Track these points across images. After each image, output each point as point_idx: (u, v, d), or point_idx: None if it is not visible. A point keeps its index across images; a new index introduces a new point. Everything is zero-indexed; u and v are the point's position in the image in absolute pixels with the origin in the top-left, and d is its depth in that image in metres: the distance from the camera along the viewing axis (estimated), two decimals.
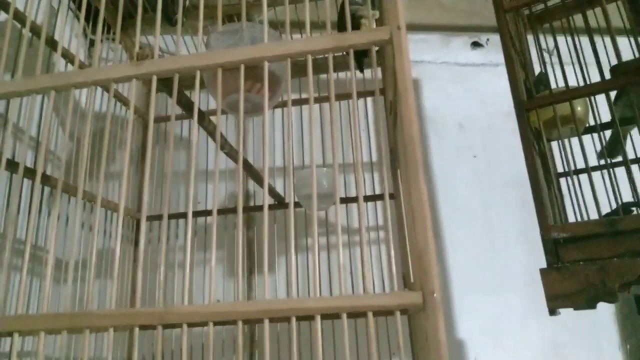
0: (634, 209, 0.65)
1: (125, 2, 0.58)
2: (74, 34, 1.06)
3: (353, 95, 0.45)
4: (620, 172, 0.72)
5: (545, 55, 1.00)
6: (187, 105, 0.52)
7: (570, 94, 0.69)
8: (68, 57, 0.86)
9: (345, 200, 1.03)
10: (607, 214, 0.70)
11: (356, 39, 0.43)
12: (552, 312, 0.64)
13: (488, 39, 1.56)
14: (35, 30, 0.71)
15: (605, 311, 1.31)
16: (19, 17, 0.70)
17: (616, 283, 0.60)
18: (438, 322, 0.35)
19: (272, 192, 0.94)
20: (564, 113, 0.75)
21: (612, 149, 0.86)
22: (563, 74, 0.83)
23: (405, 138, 0.39)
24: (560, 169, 0.93)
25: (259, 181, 0.88)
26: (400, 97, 0.40)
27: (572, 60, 0.86)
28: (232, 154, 0.68)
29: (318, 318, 0.37)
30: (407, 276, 0.87)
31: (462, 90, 1.47)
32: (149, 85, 0.49)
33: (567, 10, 0.91)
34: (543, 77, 0.85)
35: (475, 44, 1.55)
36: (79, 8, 1.15)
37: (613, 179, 0.72)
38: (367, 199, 1.05)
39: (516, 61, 0.79)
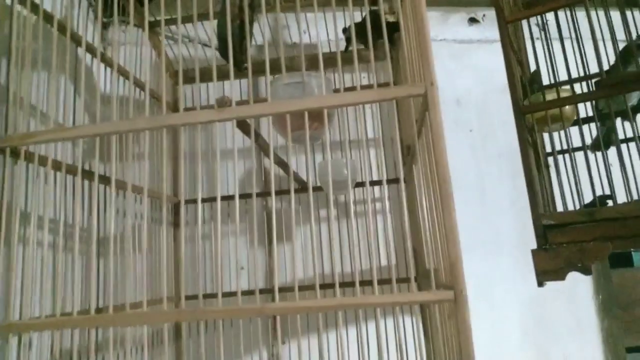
0: (608, 201, 0.79)
1: None
2: (89, 20, 1.14)
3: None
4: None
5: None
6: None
7: (560, 102, 0.81)
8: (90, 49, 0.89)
9: (361, 185, 1.16)
10: (587, 205, 0.84)
11: (397, 92, 0.54)
12: (540, 284, 0.80)
13: (484, 15, 1.64)
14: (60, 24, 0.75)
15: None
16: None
17: (591, 262, 0.75)
18: (465, 312, 0.49)
19: (296, 177, 1.06)
20: (555, 112, 0.87)
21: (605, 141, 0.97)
22: (554, 75, 0.95)
23: (439, 178, 0.51)
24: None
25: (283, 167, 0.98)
26: (435, 142, 0.52)
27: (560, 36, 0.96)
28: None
29: (377, 311, 0.51)
30: (418, 250, 1.02)
31: (460, 67, 1.57)
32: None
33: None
34: (536, 76, 0.97)
35: (472, 20, 1.64)
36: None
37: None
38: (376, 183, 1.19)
39: (515, 65, 0.90)
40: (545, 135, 1.12)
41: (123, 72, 0.97)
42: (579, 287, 1.47)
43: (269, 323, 1.14)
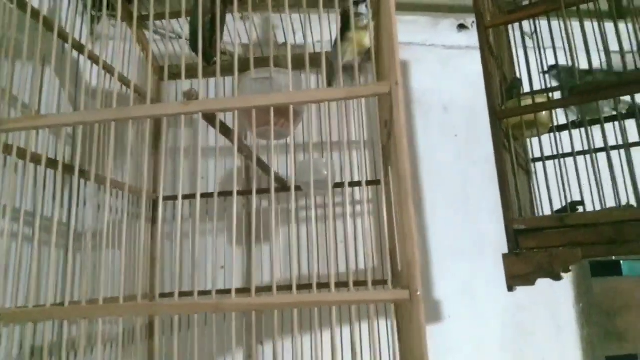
0: (579, 207, 0.80)
1: None
2: (77, 13, 1.14)
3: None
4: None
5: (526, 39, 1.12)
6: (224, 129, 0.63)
7: (535, 108, 0.82)
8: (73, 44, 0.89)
9: (340, 185, 1.16)
10: (558, 210, 0.85)
11: (363, 91, 0.55)
12: (510, 288, 0.80)
13: (473, 22, 1.65)
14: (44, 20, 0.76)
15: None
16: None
17: (560, 267, 0.75)
18: (420, 311, 0.49)
19: (276, 177, 1.06)
20: (531, 118, 0.88)
21: None
22: (530, 83, 0.96)
23: (399, 176, 0.51)
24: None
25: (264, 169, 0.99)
26: (396, 142, 0.52)
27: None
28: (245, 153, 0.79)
29: (334, 309, 0.51)
30: (393, 252, 1.02)
31: (448, 72, 1.58)
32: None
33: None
34: (516, 83, 0.97)
35: (462, 27, 1.65)
36: None
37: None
38: (358, 184, 1.19)
39: (494, 71, 0.90)
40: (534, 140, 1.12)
41: (104, 65, 0.97)
42: (559, 294, 1.48)
43: (243, 324, 1.14)
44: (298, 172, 1.07)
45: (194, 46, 0.60)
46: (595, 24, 0.90)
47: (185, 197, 1.10)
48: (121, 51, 1.15)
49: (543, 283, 1.26)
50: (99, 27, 1.30)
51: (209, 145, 1.28)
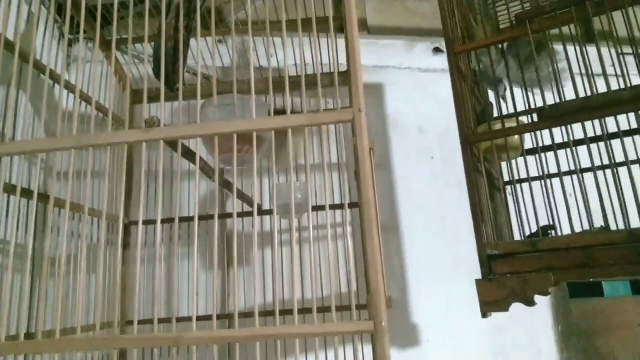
0: (551, 232, 0.80)
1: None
2: (50, 35, 1.12)
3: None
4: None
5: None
6: (187, 154, 0.62)
7: (505, 132, 0.82)
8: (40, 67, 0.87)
9: (316, 209, 1.15)
10: (530, 235, 0.85)
11: (326, 118, 0.54)
12: (484, 315, 0.79)
13: None
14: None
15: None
16: None
17: (534, 293, 0.75)
18: (385, 343, 0.48)
19: (249, 201, 1.05)
20: (502, 143, 0.88)
21: None
22: (499, 106, 0.97)
23: (362, 200, 0.51)
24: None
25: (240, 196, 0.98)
26: (360, 166, 0.52)
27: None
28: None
29: (297, 341, 0.49)
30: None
31: (423, 95, 1.59)
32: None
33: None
34: (488, 108, 0.98)
35: (437, 50, 1.67)
36: (59, 13, 1.20)
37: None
38: (333, 207, 1.18)
39: (465, 95, 0.91)
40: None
41: (72, 89, 0.95)
42: (538, 316, 1.47)
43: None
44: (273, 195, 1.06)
45: (156, 72, 0.60)
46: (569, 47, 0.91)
47: (147, 222, 1.07)
48: (89, 72, 1.13)
49: (521, 306, 1.24)
50: (63, 47, 1.28)
51: (183, 169, 1.26)
